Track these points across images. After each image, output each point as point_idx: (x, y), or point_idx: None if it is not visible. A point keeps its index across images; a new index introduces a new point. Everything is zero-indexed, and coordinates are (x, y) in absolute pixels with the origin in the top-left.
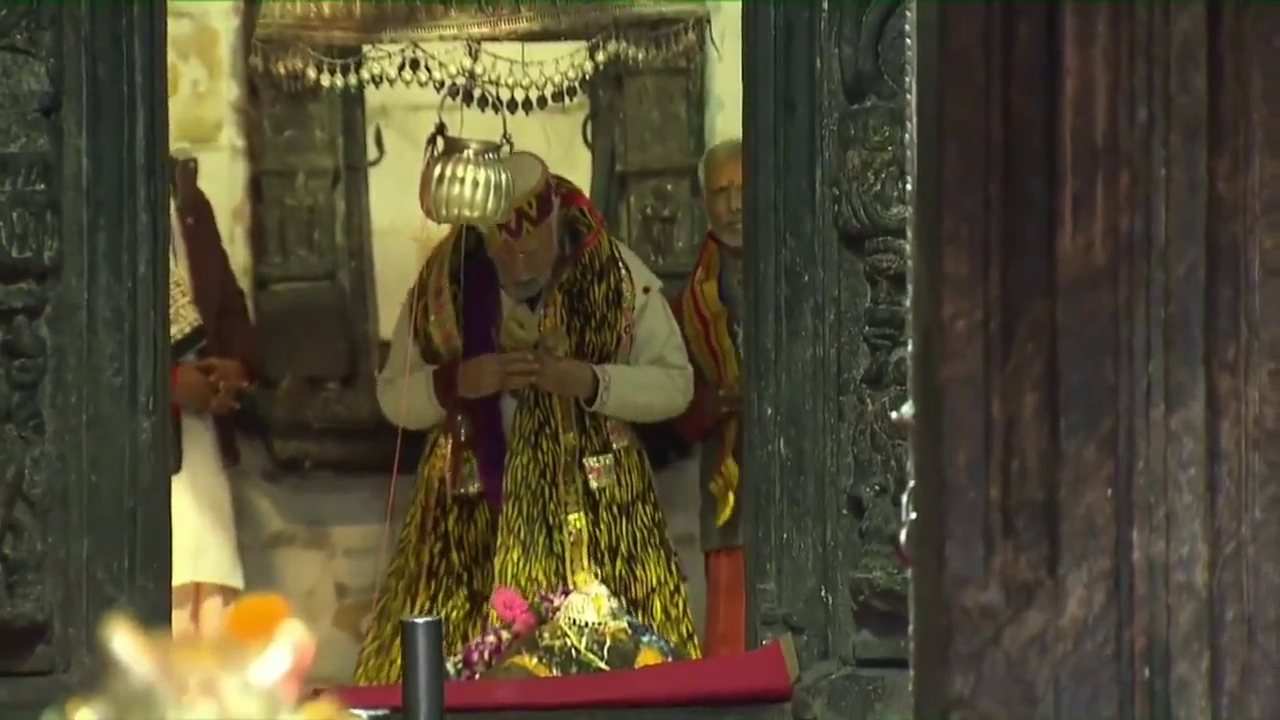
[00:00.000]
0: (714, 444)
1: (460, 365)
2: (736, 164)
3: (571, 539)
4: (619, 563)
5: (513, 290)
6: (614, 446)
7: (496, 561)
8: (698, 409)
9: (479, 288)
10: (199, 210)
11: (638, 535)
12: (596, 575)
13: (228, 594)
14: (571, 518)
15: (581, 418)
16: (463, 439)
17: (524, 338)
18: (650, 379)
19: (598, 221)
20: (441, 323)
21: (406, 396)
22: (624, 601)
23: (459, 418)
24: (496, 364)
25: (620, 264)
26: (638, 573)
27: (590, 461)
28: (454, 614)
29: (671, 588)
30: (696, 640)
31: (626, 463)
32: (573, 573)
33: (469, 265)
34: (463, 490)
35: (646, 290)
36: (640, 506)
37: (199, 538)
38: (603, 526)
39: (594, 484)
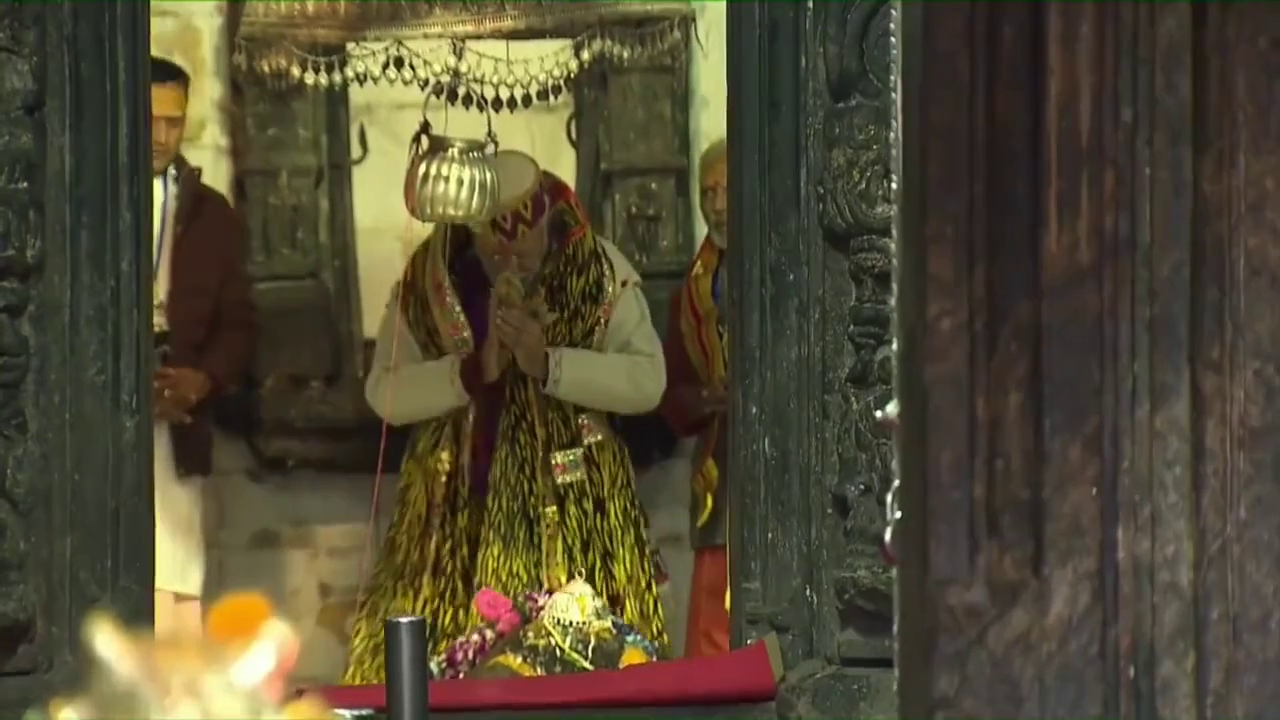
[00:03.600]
0: (701, 442)
1: (484, 351)
2: (724, 164)
3: (549, 533)
4: (592, 555)
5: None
6: (585, 441)
7: (480, 555)
8: (685, 403)
9: (470, 282)
10: (198, 218)
11: (613, 531)
12: (572, 572)
13: (182, 596)
14: (548, 510)
15: (549, 411)
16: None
17: (517, 287)
18: (610, 362)
19: (584, 216)
20: (447, 315)
21: (410, 387)
22: (604, 598)
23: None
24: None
25: (603, 260)
26: (612, 569)
27: (556, 458)
28: (459, 614)
29: (643, 585)
30: (667, 638)
31: (599, 459)
32: (548, 567)
33: (459, 261)
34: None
35: (624, 284)
36: (614, 503)
37: None
38: (572, 522)
39: (559, 480)
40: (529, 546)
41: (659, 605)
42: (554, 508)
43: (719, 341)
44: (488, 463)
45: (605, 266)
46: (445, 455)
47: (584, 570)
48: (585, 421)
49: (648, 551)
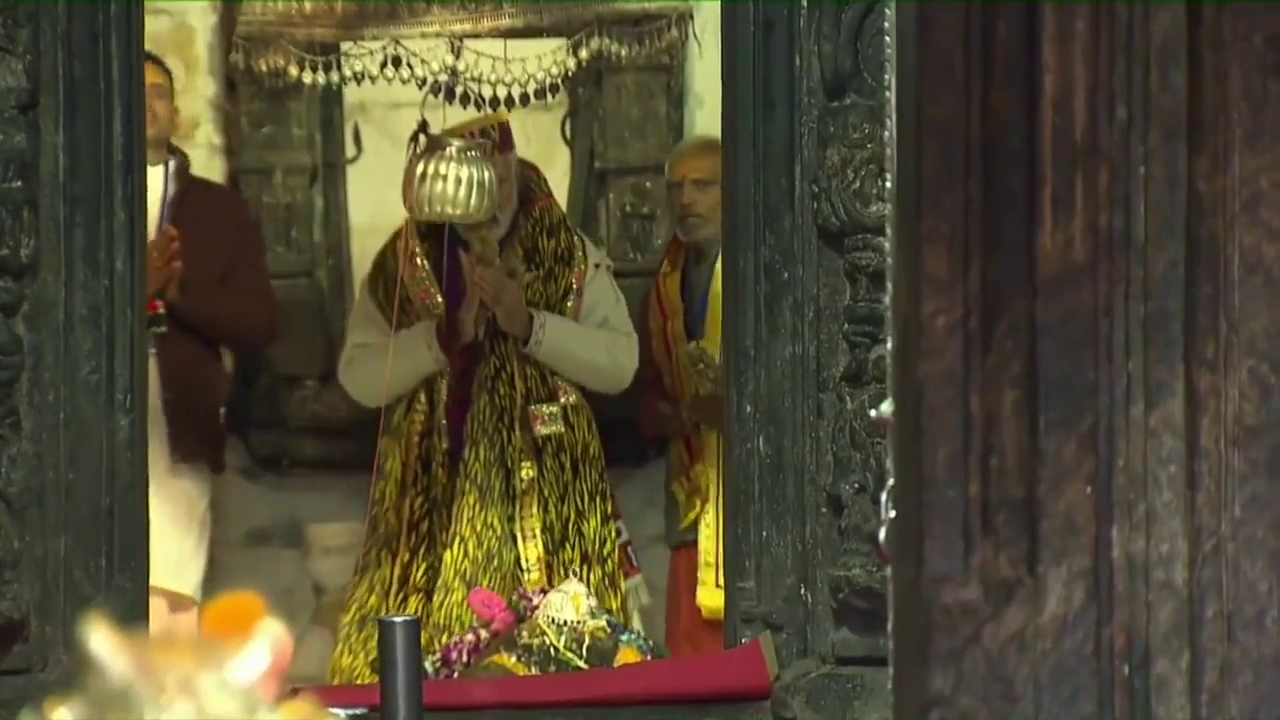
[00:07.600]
0: (678, 447)
1: (462, 311)
2: (692, 159)
3: (523, 486)
4: (567, 509)
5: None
6: (561, 400)
7: (455, 507)
8: (655, 411)
9: (441, 250)
10: (191, 207)
11: (585, 493)
12: (548, 524)
13: (177, 602)
14: (525, 465)
15: (527, 365)
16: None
17: (492, 244)
18: (590, 335)
19: (549, 190)
20: (418, 282)
21: (386, 358)
22: (572, 554)
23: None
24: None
25: (573, 232)
26: (583, 528)
27: (535, 409)
28: (432, 571)
29: (606, 551)
30: (625, 614)
31: (575, 421)
32: (523, 519)
33: (431, 233)
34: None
35: (598, 266)
36: (586, 467)
37: None
38: (550, 475)
39: (539, 431)
40: (505, 498)
41: (624, 591)
42: (531, 462)
43: (685, 342)
44: (462, 421)
45: (576, 238)
46: (419, 414)
47: (559, 522)
48: (561, 383)
49: (614, 527)
